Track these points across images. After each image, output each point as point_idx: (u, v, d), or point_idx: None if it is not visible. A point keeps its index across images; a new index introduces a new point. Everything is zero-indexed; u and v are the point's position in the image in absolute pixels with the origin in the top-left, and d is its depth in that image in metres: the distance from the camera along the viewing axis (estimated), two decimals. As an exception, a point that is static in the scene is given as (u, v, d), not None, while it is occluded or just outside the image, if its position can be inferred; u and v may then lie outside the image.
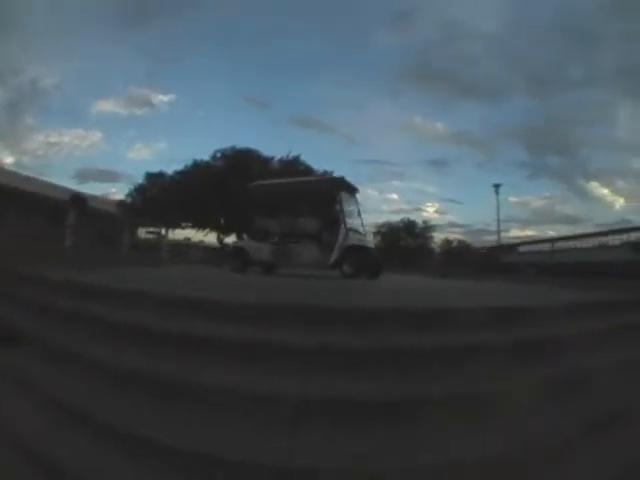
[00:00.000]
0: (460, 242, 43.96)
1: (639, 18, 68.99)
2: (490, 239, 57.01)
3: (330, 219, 12.48)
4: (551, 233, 34.89)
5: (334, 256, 11.29)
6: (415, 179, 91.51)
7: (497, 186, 30.91)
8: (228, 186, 26.68)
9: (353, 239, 11.52)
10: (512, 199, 78.45)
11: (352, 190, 12.70)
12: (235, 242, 14.80)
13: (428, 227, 41.14)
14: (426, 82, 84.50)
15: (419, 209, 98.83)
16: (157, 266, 13.83)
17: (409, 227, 40.47)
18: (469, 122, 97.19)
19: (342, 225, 11.61)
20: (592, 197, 76.64)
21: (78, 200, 22.97)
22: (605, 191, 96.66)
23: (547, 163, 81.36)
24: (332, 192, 12.39)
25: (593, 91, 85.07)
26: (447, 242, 43.89)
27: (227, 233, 30.78)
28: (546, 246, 23.34)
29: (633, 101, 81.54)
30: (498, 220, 31.02)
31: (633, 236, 16.52)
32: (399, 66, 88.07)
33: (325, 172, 30.37)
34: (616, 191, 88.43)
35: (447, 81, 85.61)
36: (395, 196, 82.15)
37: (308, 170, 31.37)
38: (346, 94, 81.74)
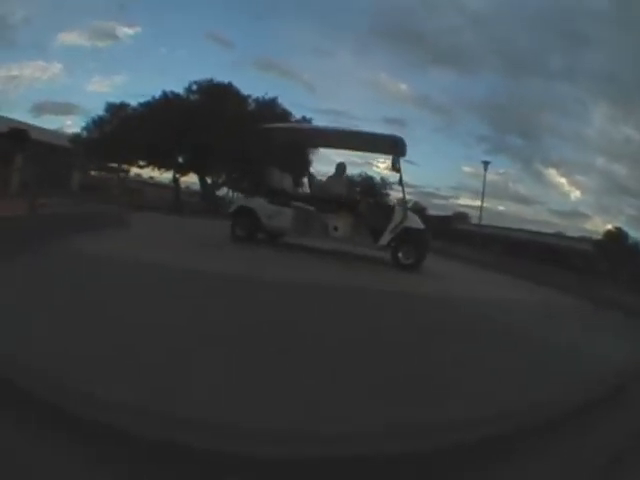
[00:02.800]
0: (416, 204, 41.17)
1: (629, 30, 70.84)
2: (439, 203, 57.35)
3: (376, 189, 9.80)
4: (500, 208, 36.30)
5: (386, 238, 9.01)
6: None
7: (486, 163, 29.79)
8: (199, 122, 23.36)
9: (413, 220, 9.25)
10: (466, 169, 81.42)
11: (404, 155, 9.82)
12: (241, 200, 10.53)
13: (385, 184, 38.19)
14: (397, 42, 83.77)
15: (371, 164, 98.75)
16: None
17: (367, 182, 37.52)
18: (434, 88, 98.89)
19: (400, 200, 9.79)
20: (548, 183, 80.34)
21: (17, 134, 19.28)
22: (562, 180, 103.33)
23: (507, 142, 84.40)
24: (392, 154, 9.57)
25: (569, 86, 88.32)
26: (351, 177, 41.38)
27: (185, 173, 27.31)
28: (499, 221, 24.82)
29: (608, 104, 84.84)
30: (482, 194, 30.88)
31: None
32: (373, 21, 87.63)
33: (304, 118, 27.71)
34: (574, 183, 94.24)
35: (419, 45, 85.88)
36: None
37: (286, 114, 28.01)
38: (312, 40, 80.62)
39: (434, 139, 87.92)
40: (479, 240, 27.17)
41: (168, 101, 25.70)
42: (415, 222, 9.20)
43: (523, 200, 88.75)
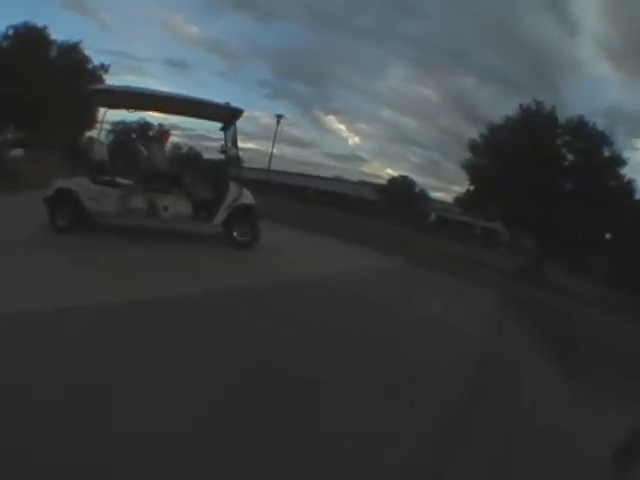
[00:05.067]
0: (191, 149, 40.84)
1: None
2: (211, 145, 58.29)
3: (206, 161, 9.40)
4: (274, 151, 39.20)
5: (220, 216, 8.71)
6: (151, 76, 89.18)
7: (279, 117, 33.28)
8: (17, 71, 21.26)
9: (247, 196, 9.02)
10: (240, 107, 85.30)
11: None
12: (58, 181, 8.13)
13: (164, 130, 36.84)
14: None
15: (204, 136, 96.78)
16: None
17: (144, 128, 36.48)
18: (227, 33, 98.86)
19: (234, 176, 9.19)
20: (326, 128, 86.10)
21: None
22: (341, 127, 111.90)
23: (291, 88, 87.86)
24: (227, 125, 9.38)
25: (373, 45, 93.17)
26: (177, 147, 39.79)
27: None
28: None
29: (409, 66, 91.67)
30: (272, 146, 35.29)
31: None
32: None
33: (102, 64, 28.24)
34: (354, 130, 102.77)
35: None
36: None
37: (85, 60, 27.80)
38: None
39: (216, 82, 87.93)
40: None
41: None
42: (249, 198, 8.99)
43: (298, 143, 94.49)
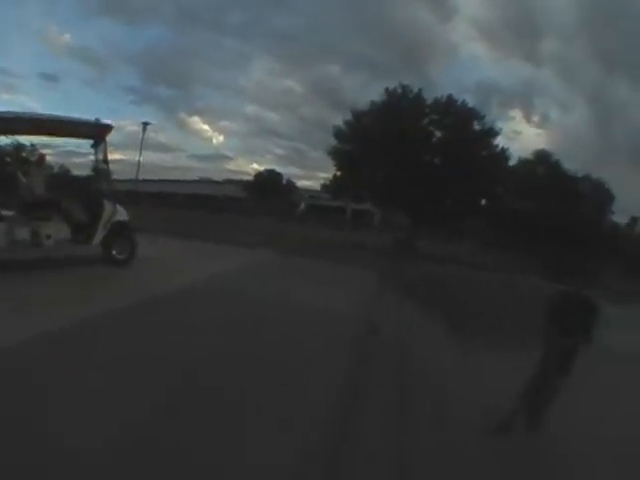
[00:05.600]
0: (62, 166, 37.77)
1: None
2: (80, 161, 55.43)
3: (79, 181, 9.74)
4: (139, 159, 39.47)
5: (99, 236, 8.88)
6: (24, 93, 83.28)
7: (145, 124, 34.36)
8: None
9: (121, 213, 9.33)
10: (109, 123, 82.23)
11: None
12: None
13: (35, 149, 35.52)
14: None
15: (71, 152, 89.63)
16: None
17: (18, 150, 34.30)
18: (95, 40, 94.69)
19: (107, 193, 9.43)
20: (190, 130, 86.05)
21: None
22: (206, 127, 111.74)
23: (156, 92, 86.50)
24: (96, 142, 9.41)
25: (237, 41, 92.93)
26: (50, 168, 38.56)
27: None
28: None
29: (273, 60, 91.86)
30: (139, 155, 37.53)
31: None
32: None
33: None
34: (218, 128, 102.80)
35: None
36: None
37: None
38: None
39: (85, 93, 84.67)
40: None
41: None
42: (123, 214, 9.22)
43: (163, 148, 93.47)
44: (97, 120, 9.20)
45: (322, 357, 5.20)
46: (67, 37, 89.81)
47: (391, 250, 20.60)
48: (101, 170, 9.62)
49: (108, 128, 9.37)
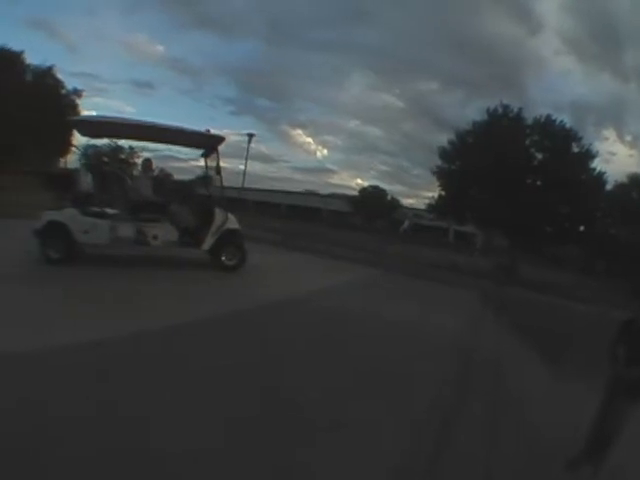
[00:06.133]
0: (162, 170, 40.27)
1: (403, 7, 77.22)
2: (179, 166, 57.53)
3: (187, 186, 9.71)
4: (242, 167, 39.91)
5: (208, 242, 9.07)
6: (117, 98, 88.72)
7: (251, 135, 32.84)
8: None
9: (232, 221, 9.37)
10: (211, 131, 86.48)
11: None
12: (49, 214, 8.12)
13: (133, 152, 35.91)
14: (164, 3, 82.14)
15: (174, 157, 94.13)
16: None
17: (116, 151, 35.99)
18: (190, 51, 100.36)
19: (219, 202, 9.52)
20: (293, 142, 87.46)
21: None
22: (309, 140, 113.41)
23: (255, 104, 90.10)
24: (209, 153, 9.81)
25: (333, 56, 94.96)
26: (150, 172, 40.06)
27: None
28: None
29: (370, 74, 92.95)
30: (245, 165, 35.94)
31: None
32: None
33: (75, 89, 28.69)
34: (321, 142, 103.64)
35: (186, 7, 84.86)
36: (95, 114, 78.35)
37: (59, 85, 27.95)
38: None
39: (181, 101, 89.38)
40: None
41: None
42: (234, 222, 9.29)
43: (266, 159, 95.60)
44: (208, 131, 9.49)
45: (425, 374, 5.17)
46: (159, 48, 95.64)
47: (493, 274, 19.49)
48: (211, 178, 9.77)
49: (220, 139, 9.59)
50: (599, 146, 55.83)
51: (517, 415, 4.45)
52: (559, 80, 71.32)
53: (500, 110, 22.45)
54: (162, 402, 3.47)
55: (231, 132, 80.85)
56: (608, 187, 23.95)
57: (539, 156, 22.17)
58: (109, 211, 8.68)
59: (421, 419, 3.94)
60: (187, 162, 36.64)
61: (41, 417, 2.96)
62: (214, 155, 9.58)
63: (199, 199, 10.11)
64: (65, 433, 2.83)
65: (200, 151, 10.19)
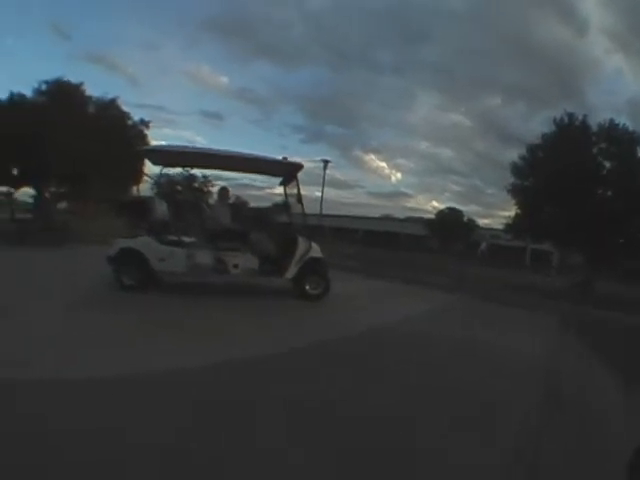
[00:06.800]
0: (238, 198, 41.14)
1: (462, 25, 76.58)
2: (255, 194, 61.09)
3: (268, 216, 9.37)
4: (317, 194, 40.49)
5: (292, 271, 8.73)
6: (187, 129, 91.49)
7: (326, 162, 33.65)
8: (48, 126, 21.62)
9: (316, 250, 9.00)
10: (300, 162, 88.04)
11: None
12: (122, 241, 8.21)
13: (207, 180, 38.05)
14: (225, 35, 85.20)
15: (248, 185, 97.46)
16: None
17: (189, 180, 36.77)
18: (254, 81, 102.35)
19: (301, 230, 9.35)
20: (367, 168, 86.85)
21: None
22: (383, 164, 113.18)
23: (325, 130, 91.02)
24: (287, 181, 9.65)
25: (396, 78, 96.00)
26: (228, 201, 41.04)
27: (20, 185, 25.36)
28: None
29: (435, 94, 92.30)
30: (322, 191, 36.64)
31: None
32: (202, 13, 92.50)
33: (142, 120, 29.43)
34: (395, 166, 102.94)
35: (246, 37, 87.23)
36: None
37: (124, 116, 28.62)
38: (141, 32, 78.86)
39: (251, 130, 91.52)
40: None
41: (14, 103, 23.09)
42: (317, 251, 8.99)
43: (340, 185, 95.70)
44: (285, 159, 9.39)
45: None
46: (223, 79, 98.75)
47: (570, 293, 18.17)
48: (294, 207, 9.54)
49: (299, 167, 9.26)
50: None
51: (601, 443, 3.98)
52: (613, 80, 68.07)
53: (566, 119, 21.37)
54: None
55: (303, 159, 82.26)
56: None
57: (607, 165, 20.96)
58: (186, 239, 8.57)
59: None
60: (263, 190, 37.07)
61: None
62: (293, 183, 9.34)
63: (279, 227, 10.08)
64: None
65: (278, 179, 10.08)
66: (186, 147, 9.29)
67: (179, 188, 30.39)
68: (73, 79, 26.21)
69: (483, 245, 45.82)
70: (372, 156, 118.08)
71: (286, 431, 3.31)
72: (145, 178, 20.36)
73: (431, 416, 3.98)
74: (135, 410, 3.36)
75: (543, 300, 14.74)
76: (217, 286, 9.11)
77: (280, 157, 9.40)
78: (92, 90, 27.59)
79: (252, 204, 33.04)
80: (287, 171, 9.42)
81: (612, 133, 20.41)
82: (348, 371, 4.94)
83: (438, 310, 10.44)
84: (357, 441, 3.29)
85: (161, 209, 9.09)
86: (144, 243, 8.04)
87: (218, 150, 9.05)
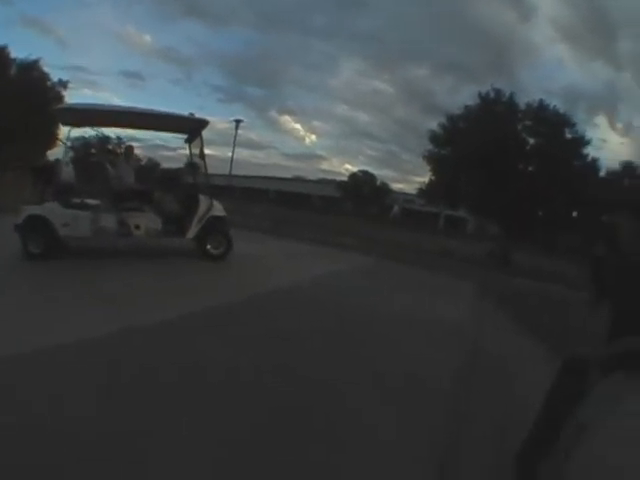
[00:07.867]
0: (150, 160, 40.16)
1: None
2: (168, 154, 57.93)
3: (171, 174, 9.49)
4: (230, 154, 39.68)
5: (193, 230, 8.78)
6: (108, 90, 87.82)
7: (238, 122, 33.81)
8: None
9: (218, 209, 9.08)
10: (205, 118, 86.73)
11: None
12: (29, 208, 7.79)
13: (121, 142, 37.17)
14: None
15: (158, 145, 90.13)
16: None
17: (102, 142, 35.05)
18: (180, 40, 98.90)
19: (203, 188, 9.33)
20: (282, 129, 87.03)
21: None
22: (297, 126, 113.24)
23: (245, 91, 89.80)
24: (191, 136, 9.60)
25: (324, 43, 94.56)
26: (137, 160, 40.19)
27: None
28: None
29: (361, 61, 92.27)
30: (233, 151, 36.23)
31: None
32: None
33: (60, 80, 28.26)
34: (310, 128, 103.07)
35: None
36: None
37: (45, 78, 27.58)
38: None
39: (170, 91, 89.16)
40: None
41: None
42: (219, 210, 9.04)
43: (254, 146, 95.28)
44: (191, 114, 9.25)
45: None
46: (147, 38, 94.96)
47: (486, 261, 19.50)
48: (196, 165, 9.49)
49: (204, 123, 9.21)
50: (590, 133, 55.47)
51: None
52: (551, 68, 71.26)
53: (492, 95, 22.19)
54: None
55: (219, 120, 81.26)
56: (601, 174, 23.72)
57: (531, 141, 22.04)
58: (91, 202, 8.32)
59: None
60: (175, 151, 36.46)
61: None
62: (198, 141, 9.27)
63: (184, 187, 9.92)
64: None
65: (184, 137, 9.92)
66: (89, 105, 8.91)
67: (93, 151, 29.44)
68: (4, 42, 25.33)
69: (395, 208, 47.27)
70: (288, 117, 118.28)
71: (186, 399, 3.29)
72: (59, 142, 19.73)
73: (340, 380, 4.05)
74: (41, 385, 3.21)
75: (457, 264, 15.75)
76: (123, 250, 8.85)
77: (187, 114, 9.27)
78: (20, 53, 26.48)
79: (165, 165, 32.53)
80: (192, 128, 9.31)
81: (541, 113, 21.38)
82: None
83: (346, 272, 10.59)
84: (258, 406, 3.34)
85: (67, 172, 8.80)
86: (50, 209, 7.76)
87: (121, 107, 9.09)
